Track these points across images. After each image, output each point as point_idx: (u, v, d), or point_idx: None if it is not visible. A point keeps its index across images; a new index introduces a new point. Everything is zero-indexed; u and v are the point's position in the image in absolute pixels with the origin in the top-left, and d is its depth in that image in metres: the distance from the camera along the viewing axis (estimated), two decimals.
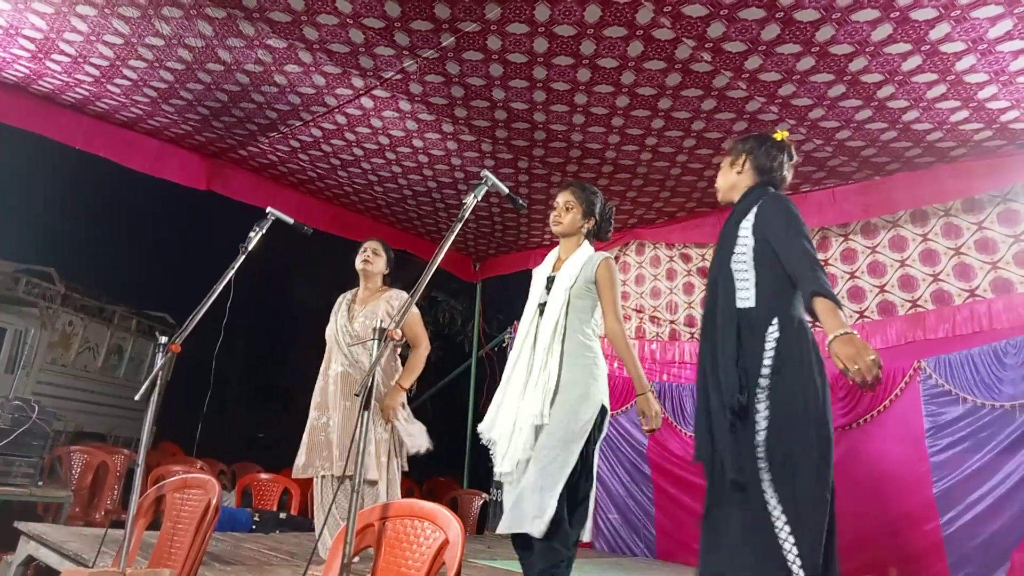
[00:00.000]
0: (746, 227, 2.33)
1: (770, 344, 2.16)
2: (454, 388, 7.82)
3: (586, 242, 2.91)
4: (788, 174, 2.52)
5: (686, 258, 5.74)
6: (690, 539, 5.09)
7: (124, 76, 4.13)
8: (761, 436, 2.10)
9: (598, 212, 2.93)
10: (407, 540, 1.79)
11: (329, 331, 3.76)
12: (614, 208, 3.07)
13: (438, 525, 1.74)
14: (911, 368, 4.17)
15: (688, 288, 5.69)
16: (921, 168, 4.29)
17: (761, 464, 2.09)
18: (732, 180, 2.54)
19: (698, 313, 5.58)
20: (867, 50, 3.23)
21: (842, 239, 4.85)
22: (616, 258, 6.20)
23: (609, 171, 4.82)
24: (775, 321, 2.17)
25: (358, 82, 4.00)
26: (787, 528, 2.02)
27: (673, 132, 4.19)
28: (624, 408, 5.67)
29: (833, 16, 3.03)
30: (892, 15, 2.98)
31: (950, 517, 3.82)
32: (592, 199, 2.92)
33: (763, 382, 2.14)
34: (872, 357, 1.87)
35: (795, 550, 2.01)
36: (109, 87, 4.28)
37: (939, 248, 4.39)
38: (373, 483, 3.40)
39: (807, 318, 2.21)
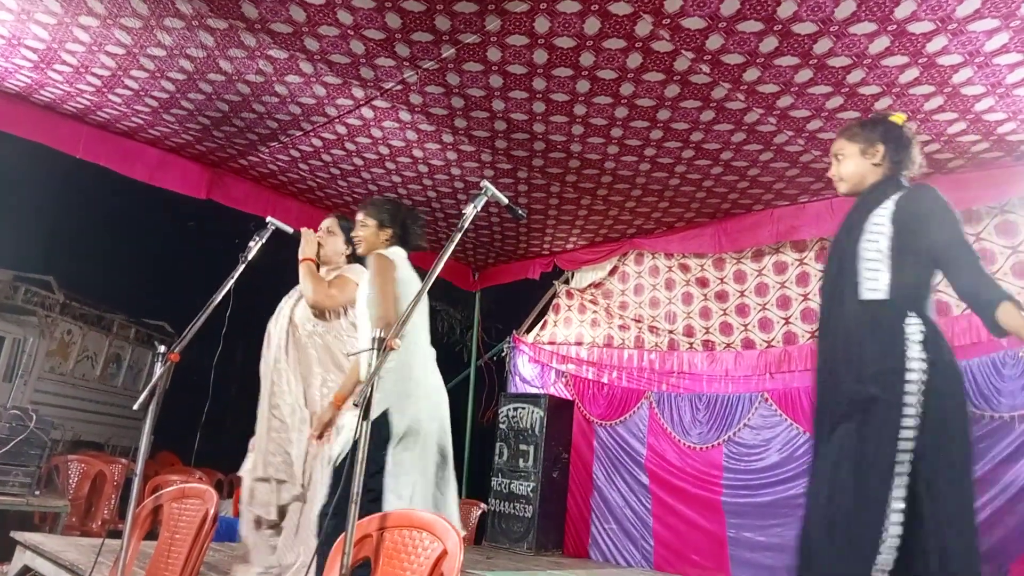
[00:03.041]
0: (882, 215, 2.22)
1: (916, 338, 2.06)
2: (452, 397, 7.80)
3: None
4: (919, 163, 2.40)
5: (685, 268, 5.75)
6: (688, 549, 5.08)
7: (125, 86, 4.15)
8: (908, 436, 1.99)
9: (396, 222, 2.84)
10: (405, 550, 1.78)
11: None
12: (420, 216, 2.94)
13: (436, 535, 1.73)
14: None
15: (687, 298, 5.70)
16: (919, 179, 4.29)
17: (900, 469, 1.98)
18: (864, 170, 2.36)
19: (696, 323, 5.59)
20: (864, 62, 3.25)
21: None
22: (615, 268, 6.21)
23: (608, 181, 4.84)
24: (913, 315, 2.09)
25: (358, 93, 4.01)
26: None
27: (672, 143, 4.21)
28: (622, 418, 5.67)
29: (831, 29, 3.05)
30: (889, 28, 3.00)
31: None
32: (382, 213, 2.85)
33: (914, 376, 2.02)
34: None
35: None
36: (110, 97, 4.30)
37: None
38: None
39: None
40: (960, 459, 2.02)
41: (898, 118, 2.39)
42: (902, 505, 1.96)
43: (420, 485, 2.54)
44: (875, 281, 2.15)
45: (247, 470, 3.01)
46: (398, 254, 2.72)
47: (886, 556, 1.96)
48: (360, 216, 2.89)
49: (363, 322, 2.67)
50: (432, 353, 2.75)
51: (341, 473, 2.40)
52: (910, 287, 2.12)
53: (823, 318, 2.33)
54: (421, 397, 2.61)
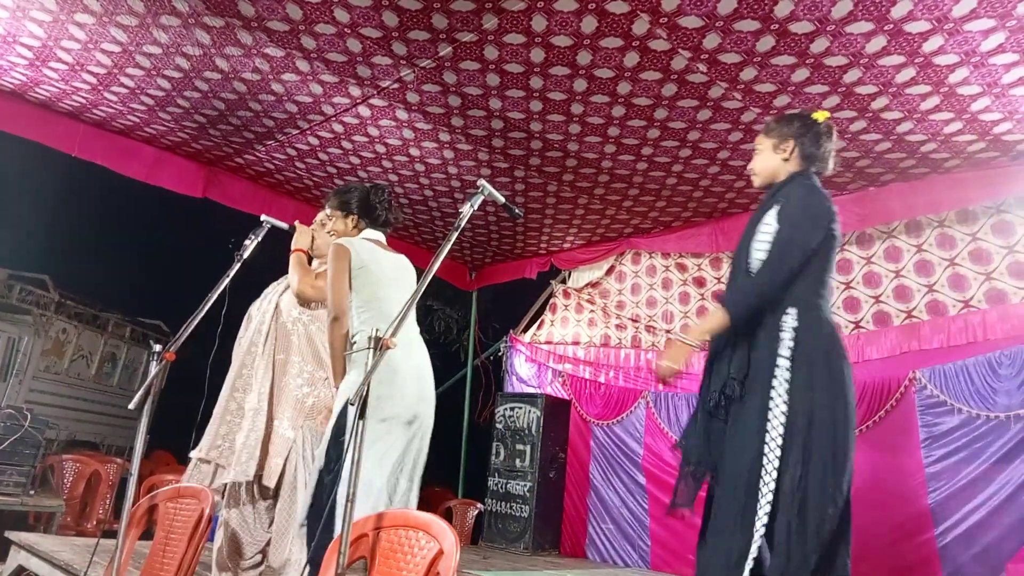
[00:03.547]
0: (772, 214, 2.27)
1: (787, 334, 2.13)
2: (449, 397, 7.81)
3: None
4: (832, 161, 2.42)
5: (681, 268, 5.75)
6: (685, 550, 5.08)
7: (121, 84, 4.13)
8: (774, 427, 2.08)
9: (356, 206, 2.84)
10: (401, 550, 1.77)
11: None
12: (383, 189, 2.89)
13: (432, 535, 1.73)
14: (906, 378, 4.18)
15: (684, 298, 5.70)
16: (915, 179, 4.31)
17: (766, 461, 2.06)
18: (775, 165, 2.40)
19: (693, 323, 5.59)
20: (861, 62, 3.25)
21: (838, 249, 4.86)
22: (611, 267, 6.22)
23: (605, 180, 4.84)
24: (791, 311, 2.16)
25: (355, 91, 4.00)
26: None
27: (669, 142, 4.20)
28: (619, 418, 5.67)
29: (827, 28, 3.05)
30: (886, 28, 3.00)
31: (945, 528, 3.82)
32: (342, 199, 2.86)
33: (779, 372, 2.11)
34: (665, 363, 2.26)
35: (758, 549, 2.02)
36: (106, 95, 4.28)
37: (933, 259, 4.40)
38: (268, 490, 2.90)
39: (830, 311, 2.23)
40: (823, 451, 2.06)
41: (819, 115, 2.40)
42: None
43: (376, 478, 2.44)
44: None
45: (195, 451, 2.95)
46: (360, 241, 2.69)
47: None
48: (327, 210, 2.92)
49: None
50: (414, 331, 2.68)
51: (338, 445, 2.38)
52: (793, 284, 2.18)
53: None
54: (396, 384, 2.50)
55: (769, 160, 2.42)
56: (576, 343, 6.32)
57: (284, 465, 2.83)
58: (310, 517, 2.37)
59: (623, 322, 6.02)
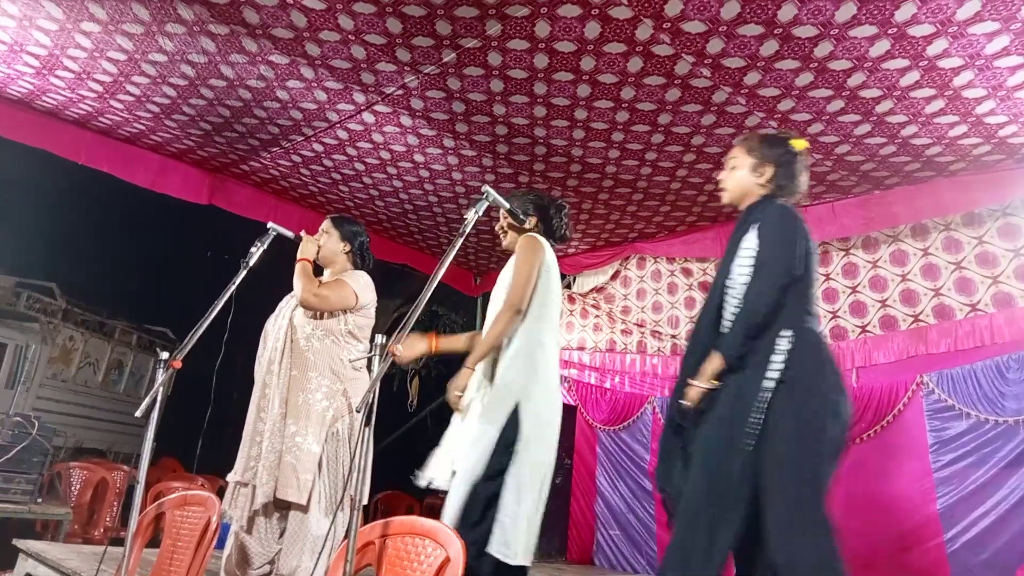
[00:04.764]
0: (752, 236, 2.28)
1: (779, 356, 2.14)
2: None
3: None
4: (803, 191, 2.45)
5: (687, 272, 5.74)
6: None
7: (127, 92, 4.16)
8: (748, 451, 2.10)
9: (536, 212, 2.91)
10: (408, 558, 1.77)
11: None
12: (564, 207, 2.99)
13: (439, 543, 1.72)
14: (914, 383, 4.16)
15: (689, 303, 5.69)
16: (921, 182, 4.30)
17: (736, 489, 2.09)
18: (748, 186, 2.41)
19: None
20: (865, 65, 3.24)
21: (843, 253, 4.85)
22: (617, 272, 6.21)
23: (610, 185, 4.84)
24: (785, 333, 2.16)
25: (359, 97, 4.02)
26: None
27: (673, 147, 4.20)
28: (626, 423, 5.65)
29: (831, 32, 3.05)
30: (890, 31, 3.00)
31: (954, 533, 3.80)
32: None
33: (762, 395, 2.12)
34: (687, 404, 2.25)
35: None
36: (112, 103, 4.30)
37: (940, 262, 4.39)
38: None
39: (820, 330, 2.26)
40: (794, 472, 2.07)
41: (799, 144, 2.41)
42: None
43: (535, 503, 2.44)
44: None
45: (231, 474, 2.98)
46: (546, 240, 2.79)
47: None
48: (501, 211, 2.92)
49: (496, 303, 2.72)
50: (555, 341, 2.71)
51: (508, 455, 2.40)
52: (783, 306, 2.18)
53: (693, 331, 2.46)
54: (547, 392, 2.56)
55: (745, 180, 2.42)
56: (581, 348, 6.31)
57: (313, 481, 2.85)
58: (462, 527, 2.35)
59: (629, 327, 6.01)
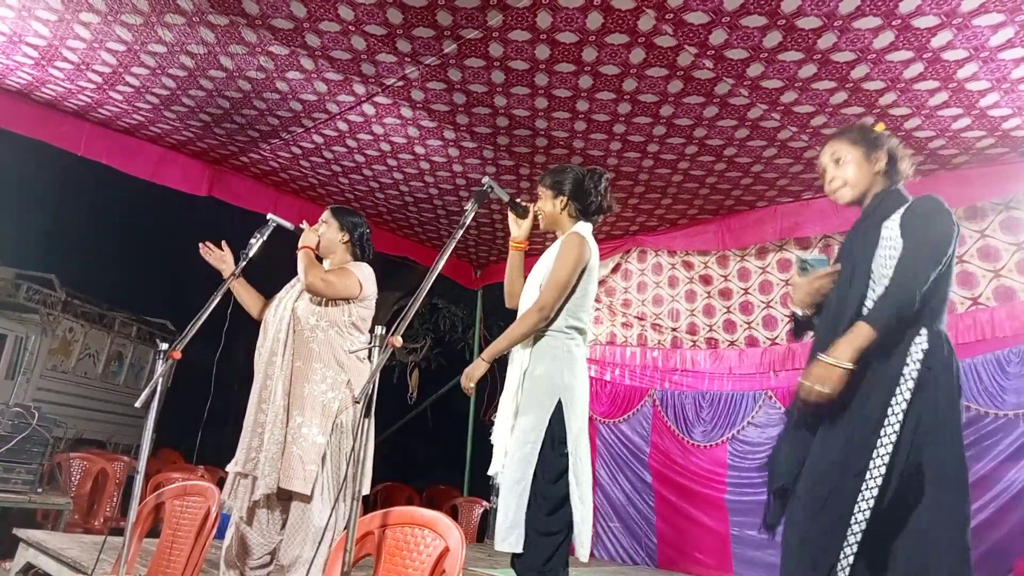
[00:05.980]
0: (891, 227, 2.19)
1: (916, 356, 2.04)
2: (455, 395, 7.81)
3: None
4: (911, 170, 2.38)
5: (688, 266, 5.74)
6: (691, 547, 5.08)
7: (126, 83, 4.14)
8: (886, 451, 1.97)
9: (570, 188, 2.80)
10: (407, 548, 1.77)
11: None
12: (600, 175, 2.89)
13: (438, 533, 1.72)
14: None
15: (690, 296, 5.68)
16: (923, 175, 4.28)
17: (872, 485, 1.95)
18: (870, 178, 2.32)
19: (700, 321, 5.58)
20: (869, 57, 3.23)
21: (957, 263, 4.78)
22: (617, 265, 6.20)
23: (611, 177, 4.80)
24: (923, 332, 2.08)
25: (359, 89, 4.00)
26: None
27: (675, 139, 4.19)
28: (626, 416, 5.66)
29: (835, 24, 3.03)
30: (894, 23, 2.98)
31: None
32: (559, 179, 2.82)
33: (900, 397, 2.00)
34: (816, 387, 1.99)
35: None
36: (111, 94, 4.29)
37: None
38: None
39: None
40: (949, 465, 1.97)
41: (880, 127, 2.40)
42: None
43: (590, 499, 2.53)
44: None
45: (231, 465, 2.98)
46: (592, 240, 2.73)
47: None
48: (538, 189, 2.82)
49: (530, 294, 2.64)
50: (588, 338, 2.69)
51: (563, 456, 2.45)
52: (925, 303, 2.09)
53: (821, 325, 2.28)
54: (585, 387, 2.62)
55: (864, 172, 2.33)
56: None
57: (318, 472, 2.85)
58: (531, 530, 2.40)
59: (629, 320, 6.01)
